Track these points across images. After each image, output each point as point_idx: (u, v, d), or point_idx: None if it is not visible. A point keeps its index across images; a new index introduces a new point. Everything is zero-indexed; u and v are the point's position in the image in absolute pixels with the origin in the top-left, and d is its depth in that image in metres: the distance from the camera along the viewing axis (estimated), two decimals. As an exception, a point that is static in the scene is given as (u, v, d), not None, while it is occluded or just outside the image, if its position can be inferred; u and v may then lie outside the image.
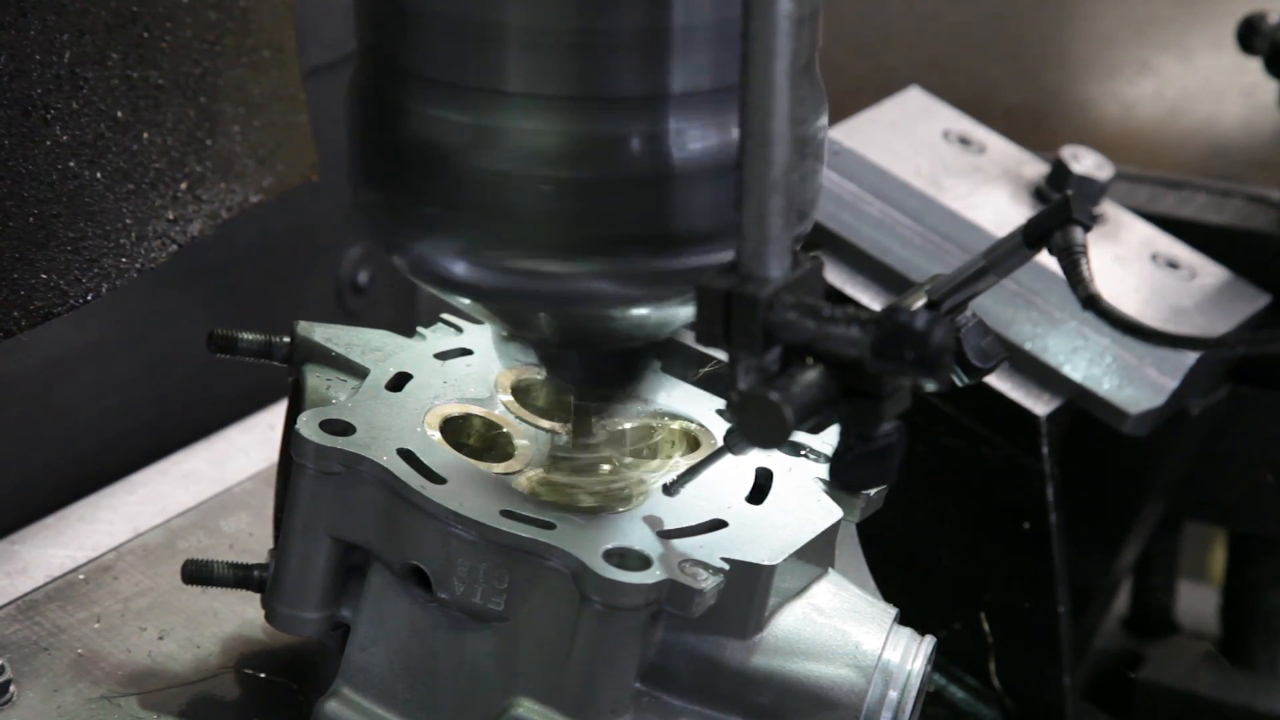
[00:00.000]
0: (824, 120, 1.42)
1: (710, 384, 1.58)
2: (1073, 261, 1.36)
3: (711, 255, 1.34)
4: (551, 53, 1.31)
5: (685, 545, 1.38)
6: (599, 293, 1.36)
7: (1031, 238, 1.39)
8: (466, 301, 1.42)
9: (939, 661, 1.85)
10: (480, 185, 1.34)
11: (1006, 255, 1.40)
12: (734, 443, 1.38)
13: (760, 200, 1.24)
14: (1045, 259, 1.83)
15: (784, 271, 1.25)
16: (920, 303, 1.39)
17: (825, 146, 1.44)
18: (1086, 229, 1.37)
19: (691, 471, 1.44)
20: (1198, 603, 2.35)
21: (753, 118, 1.24)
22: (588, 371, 1.46)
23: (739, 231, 1.25)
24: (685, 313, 1.41)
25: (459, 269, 1.37)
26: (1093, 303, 1.34)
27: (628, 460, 1.51)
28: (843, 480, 1.26)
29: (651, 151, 1.33)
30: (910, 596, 1.59)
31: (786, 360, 1.24)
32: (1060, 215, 1.37)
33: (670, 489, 1.45)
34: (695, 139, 1.33)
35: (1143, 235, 1.99)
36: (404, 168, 1.36)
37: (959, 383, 1.41)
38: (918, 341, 1.18)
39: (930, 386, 1.20)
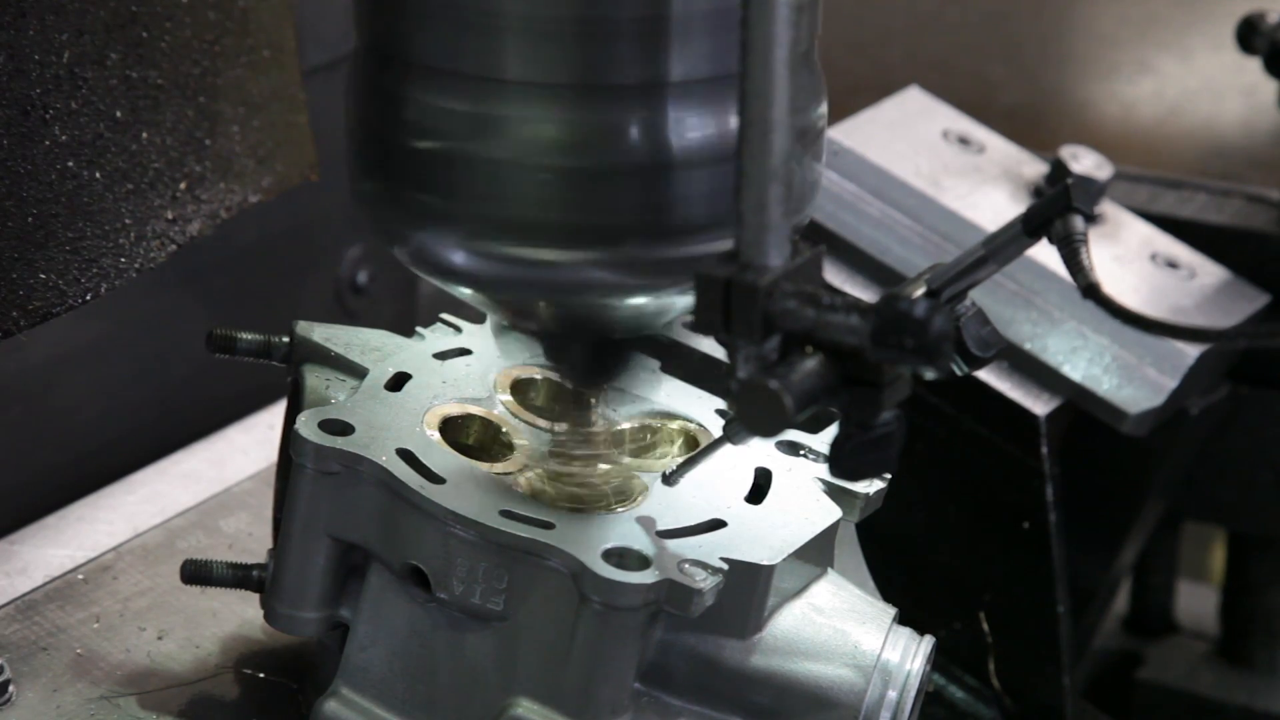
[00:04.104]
0: (823, 109, 1.42)
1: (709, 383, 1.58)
2: (1072, 250, 1.36)
3: (711, 244, 1.34)
4: (550, 41, 1.31)
5: (684, 545, 1.38)
6: (598, 281, 1.36)
7: (1031, 226, 1.38)
8: (467, 291, 1.42)
9: (939, 661, 1.85)
10: (479, 174, 1.34)
11: (1006, 244, 1.40)
12: (734, 432, 1.38)
13: (759, 188, 1.24)
14: (1046, 259, 1.84)
15: (783, 260, 1.25)
16: (920, 291, 1.39)
17: (824, 135, 1.44)
18: (1087, 218, 1.37)
19: (691, 461, 1.44)
20: (1198, 603, 2.35)
21: (752, 106, 1.23)
22: (588, 360, 1.46)
23: (738, 220, 1.25)
24: (684, 301, 1.41)
25: (458, 258, 1.37)
26: (1093, 291, 1.34)
27: (627, 459, 1.51)
28: (842, 469, 1.26)
29: (650, 140, 1.33)
30: (910, 596, 1.59)
31: (786, 349, 1.24)
32: (1060, 204, 1.37)
33: (669, 479, 1.45)
34: (694, 127, 1.33)
35: (1142, 235, 1.99)
36: (403, 157, 1.37)
37: (958, 372, 1.40)
38: (917, 329, 1.18)
39: (930, 375, 1.20)
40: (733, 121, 1.28)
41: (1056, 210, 1.37)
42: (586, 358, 1.46)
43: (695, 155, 1.34)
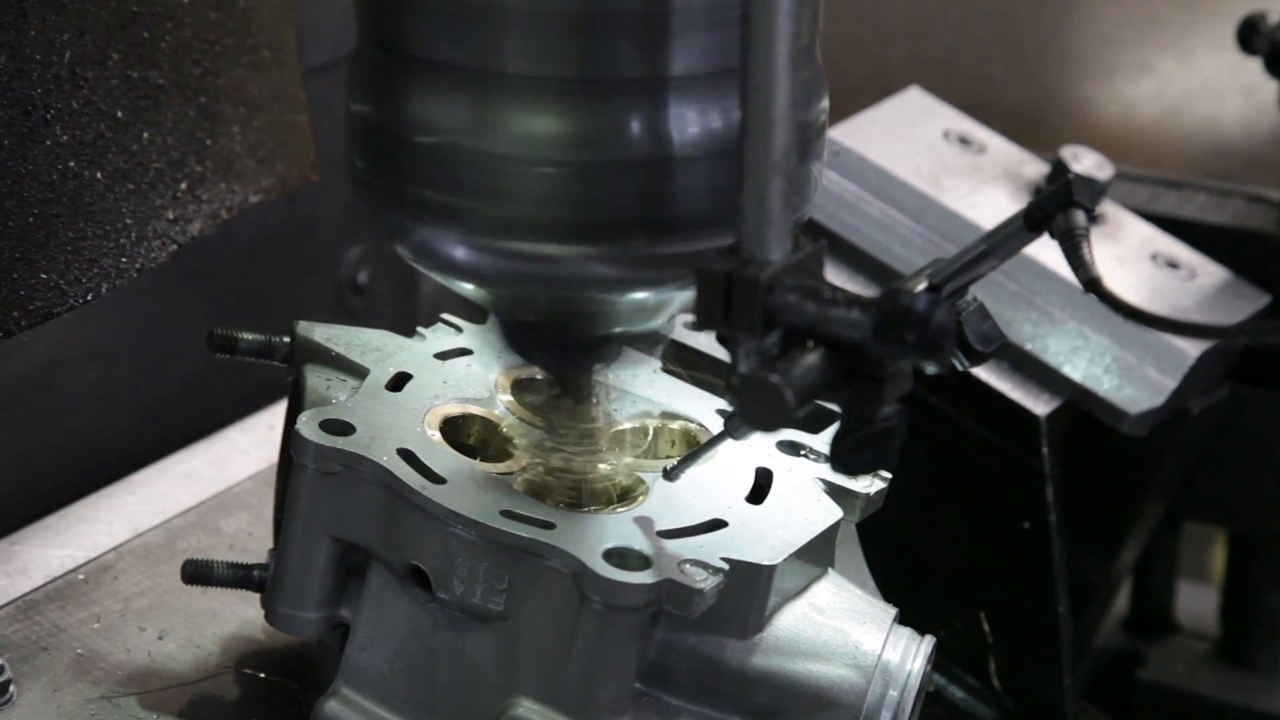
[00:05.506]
0: (825, 104, 1.42)
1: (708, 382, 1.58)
2: (1074, 245, 1.36)
3: (711, 239, 1.34)
4: (551, 35, 1.31)
5: (685, 545, 1.38)
6: (599, 276, 1.36)
7: (1033, 221, 1.38)
8: (468, 287, 1.42)
9: (939, 661, 1.85)
10: (480, 168, 1.34)
11: (1007, 239, 1.39)
12: (735, 427, 1.38)
13: (761, 183, 1.24)
14: (1046, 260, 1.84)
15: (784, 254, 1.25)
16: (921, 286, 1.39)
17: (826, 130, 1.44)
18: (1089, 212, 1.37)
19: (692, 456, 1.44)
20: (1198, 603, 2.35)
21: (753, 100, 1.23)
22: (589, 354, 1.46)
23: (739, 214, 1.25)
24: (684, 296, 1.41)
25: (460, 253, 1.37)
26: (1094, 286, 1.34)
27: (627, 460, 1.51)
28: (843, 463, 1.26)
29: (651, 135, 1.33)
30: (910, 596, 1.59)
31: (787, 343, 1.24)
32: (1062, 198, 1.37)
33: (670, 474, 1.45)
34: (695, 122, 1.33)
35: (1143, 235, 1.99)
36: (404, 152, 1.36)
37: (959, 367, 1.40)
38: (919, 323, 1.17)
39: (931, 369, 1.20)
40: (734, 116, 1.28)
41: (1058, 205, 1.36)
42: (586, 350, 1.46)
43: (696, 150, 1.34)
